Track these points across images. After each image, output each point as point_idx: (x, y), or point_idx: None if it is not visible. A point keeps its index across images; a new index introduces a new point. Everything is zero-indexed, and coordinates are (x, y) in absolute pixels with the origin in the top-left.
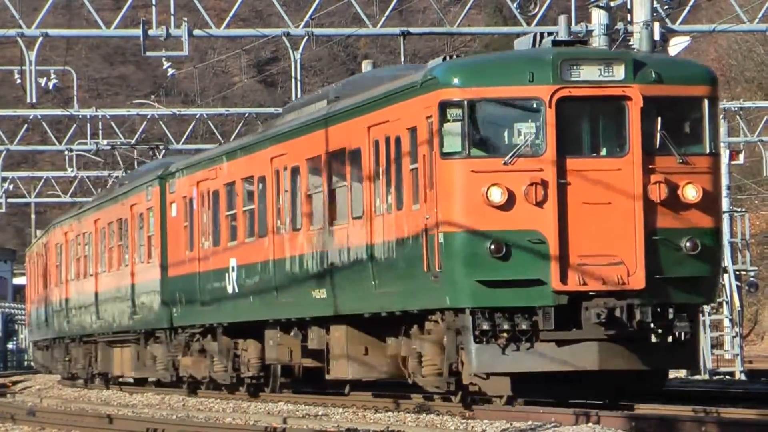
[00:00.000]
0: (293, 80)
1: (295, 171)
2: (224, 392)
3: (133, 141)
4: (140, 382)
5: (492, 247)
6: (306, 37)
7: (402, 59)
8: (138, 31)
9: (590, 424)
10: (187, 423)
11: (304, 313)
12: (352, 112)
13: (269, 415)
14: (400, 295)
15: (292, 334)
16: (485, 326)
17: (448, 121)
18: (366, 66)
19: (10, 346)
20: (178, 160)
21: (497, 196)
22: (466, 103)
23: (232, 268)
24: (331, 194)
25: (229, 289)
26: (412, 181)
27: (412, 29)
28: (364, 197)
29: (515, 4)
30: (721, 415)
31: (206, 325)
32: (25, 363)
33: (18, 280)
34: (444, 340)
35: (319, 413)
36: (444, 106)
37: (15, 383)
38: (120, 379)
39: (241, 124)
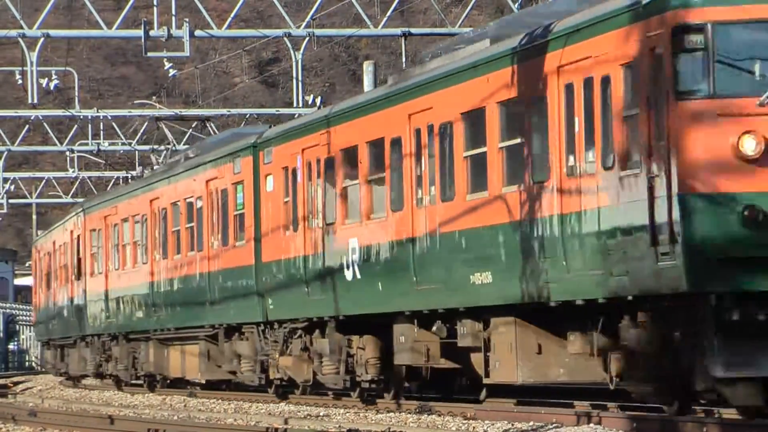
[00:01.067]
0: (294, 81)
1: (445, 129)
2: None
3: (133, 142)
4: (208, 386)
5: (745, 213)
6: (307, 38)
7: (403, 60)
8: (139, 32)
9: (591, 425)
10: (188, 423)
11: (458, 302)
12: (539, 47)
13: (270, 415)
14: (608, 278)
15: (434, 329)
16: (735, 316)
17: (686, 51)
18: (367, 67)
19: (11, 346)
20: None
21: (751, 147)
22: (709, 27)
23: (353, 249)
24: (514, 152)
25: (348, 276)
26: (629, 132)
27: (413, 30)
28: (553, 155)
29: (516, 5)
30: (722, 416)
31: (313, 319)
32: (26, 364)
33: (19, 281)
34: (672, 334)
35: (320, 413)
36: (680, 32)
37: (16, 384)
38: (185, 382)
39: (242, 125)
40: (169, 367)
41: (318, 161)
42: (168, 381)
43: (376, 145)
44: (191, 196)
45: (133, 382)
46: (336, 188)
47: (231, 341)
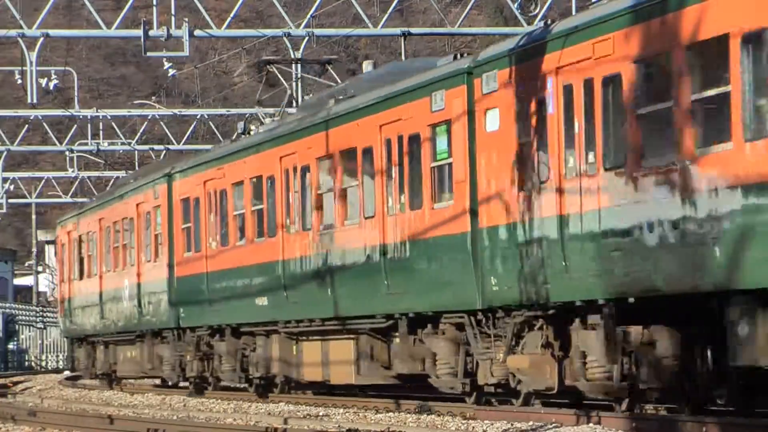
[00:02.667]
0: (294, 81)
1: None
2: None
3: (133, 142)
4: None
5: None
6: (306, 38)
7: (403, 59)
8: (139, 32)
9: (591, 425)
10: (187, 423)
11: None
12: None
13: (270, 415)
14: None
15: None
16: None
17: None
18: (367, 66)
19: (10, 346)
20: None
21: None
22: None
23: None
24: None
25: None
26: None
27: (412, 29)
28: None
29: (516, 5)
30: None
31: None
32: (26, 363)
33: (19, 281)
34: None
35: (320, 414)
36: None
37: (16, 383)
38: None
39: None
40: (302, 369)
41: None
42: (291, 384)
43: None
44: (368, 145)
45: (238, 385)
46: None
47: (420, 336)
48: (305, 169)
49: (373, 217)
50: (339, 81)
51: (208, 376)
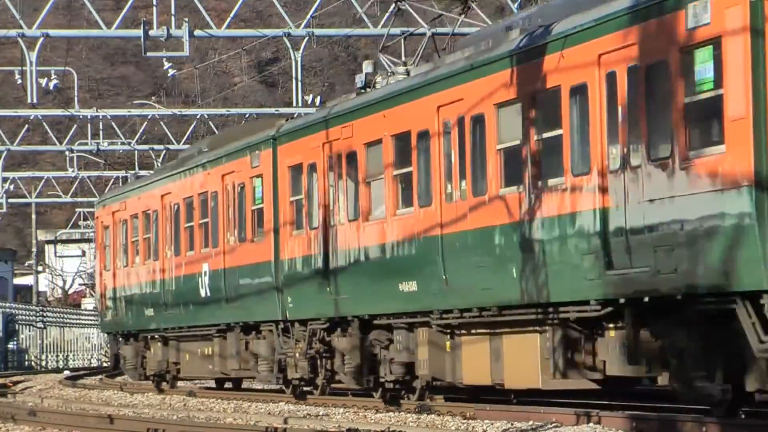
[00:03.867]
0: (294, 81)
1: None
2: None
3: (133, 142)
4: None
5: None
6: (306, 38)
7: (403, 59)
8: (139, 32)
9: (591, 424)
10: (187, 423)
11: None
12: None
13: (270, 415)
14: None
15: None
16: None
17: None
18: (366, 66)
19: (10, 346)
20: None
21: None
22: None
23: None
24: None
25: None
26: None
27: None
28: None
29: (516, 5)
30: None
31: None
32: (26, 363)
33: (19, 280)
34: None
35: (320, 413)
36: None
37: (16, 383)
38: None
39: (242, 125)
40: (461, 370)
41: None
42: (437, 388)
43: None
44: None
45: (357, 389)
46: None
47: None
48: (478, 120)
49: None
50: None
51: (318, 378)
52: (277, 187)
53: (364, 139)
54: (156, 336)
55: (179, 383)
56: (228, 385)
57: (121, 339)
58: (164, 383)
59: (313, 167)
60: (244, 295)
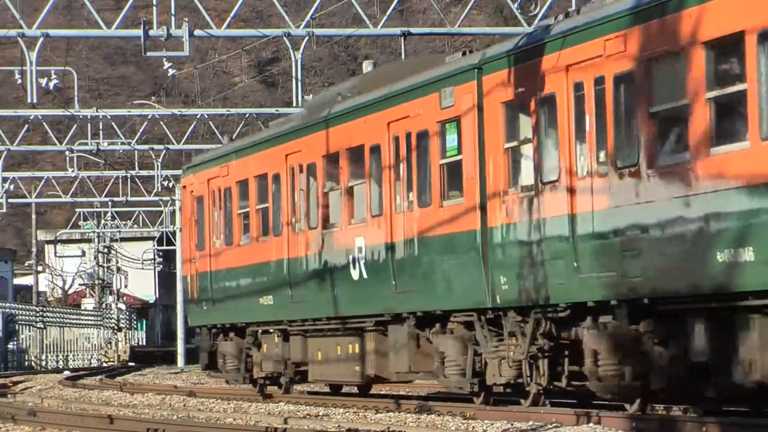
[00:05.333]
0: (294, 80)
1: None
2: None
3: (133, 142)
4: None
5: None
6: (307, 38)
7: (403, 59)
8: (139, 32)
9: (591, 425)
10: (187, 423)
11: None
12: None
13: (270, 415)
14: None
15: None
16: None
17: None
18: (366, 66)
19: (10, 346)
20: None
21: None
22: None
23: None
24: None
25: None
26: None
27: (412, 29)
28: None
29: (516, 5)
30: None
31: None
32: (26, 363)
33: (19, 280)
34: None
35: (320, 413)
36: None
37: (16, 383)
38: None
39: (242, 125)
40: None
41: None
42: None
43: None
44: None
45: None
46: None
47: None
48: None
49: None
50: None
51: (532, 384)
52: (483, 133)
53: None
54: (271, 330)
55: (297, 386)
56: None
57: (217, 334)
58: (275, 388)
59: (548, 101)
60: (425, 277)
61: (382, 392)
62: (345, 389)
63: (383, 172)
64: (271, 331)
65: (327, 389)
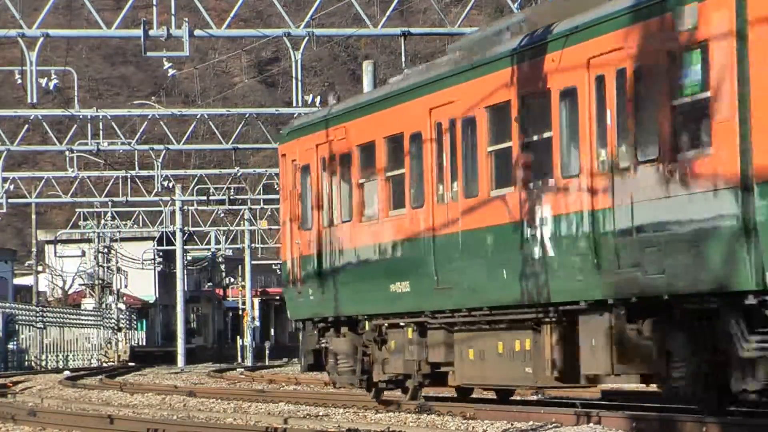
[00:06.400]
0: (294, 80)
1: None
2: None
3: (133, 142)
4: None
5: None
6: (307, 38)
7: (403, 59)
8: (139, 32)
9: (591, 425)
10: (187, 423)
11: None
12: None
13: (270, 415)
14: None
15: None
16: None
17: None
18: (366, 66)
19: (10, 346)
20: None
21: None
22: None
23: None
24: None
25: None
26: None
27: (412, 29)
28: None
29: (516, 5)
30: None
31: None
32: (26, 363)
33: (19, 281)
34: None
35: (320, 413)
36: None
37: (16, 383)
38: None
39: (242, 125)
40: None
41: None
42: None
43: None
44: None
45: None
46: None
47: None
48: None
49: None
50: None
51: None
52: (746, 57)
53: None
54: (402, 323)
55: (423, 390)
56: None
57: (326, 330)
58: (398, 393)
59: None
60: (646, 252)
61: (563, 398)
62: (475, 393)
63: (581, 121)
64: (401, 324)
65: (456, 393)
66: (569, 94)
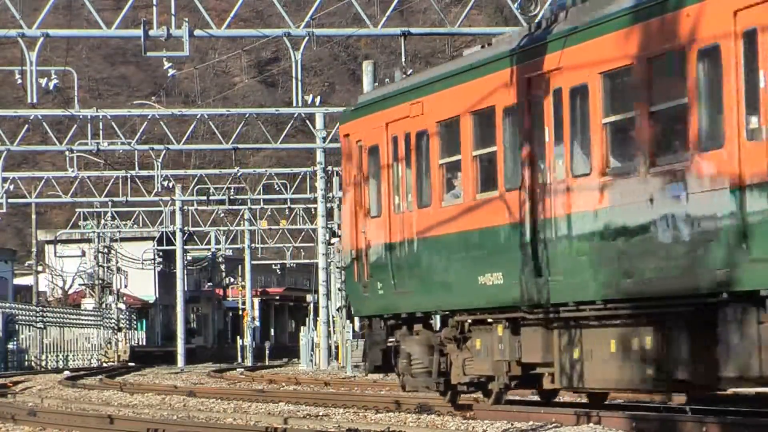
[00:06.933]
0: (294, 80)
1: None
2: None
3: (133, 142)
4: None
5: None
6: (307, 38)
7: (402, 59)
8: (139, 32)
9: (591, 425)
10: (187, 423)
11: None
12: None
13: (270, 415)
14: None
15: None
16: None
17: None
18: (367, 66)
19: (10, 346)
20: None
21: None
22: None
23: None
24: None
25: None
26: None
27: (412, 29)
28: None
29: (516, 5)
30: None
31: None
32: (26, 363)
33: (19, 281)
34: None
35: (320, 413)
36: None
37: (16, 383)
38: None
39: (241, 125)
40: None
41: None
42: None
43: None
44: None
45: None
46: None
47: None
48: None
49: None
50: None
51: None
52: None
53: None
54: (490, 320)
55: (509, 394)
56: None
57: (395, 328)
58: (479, 396)
59: None
60: None
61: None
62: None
63: (724, 82)
64: (489, 321)
65: (540, 397)
66: (710, 53)
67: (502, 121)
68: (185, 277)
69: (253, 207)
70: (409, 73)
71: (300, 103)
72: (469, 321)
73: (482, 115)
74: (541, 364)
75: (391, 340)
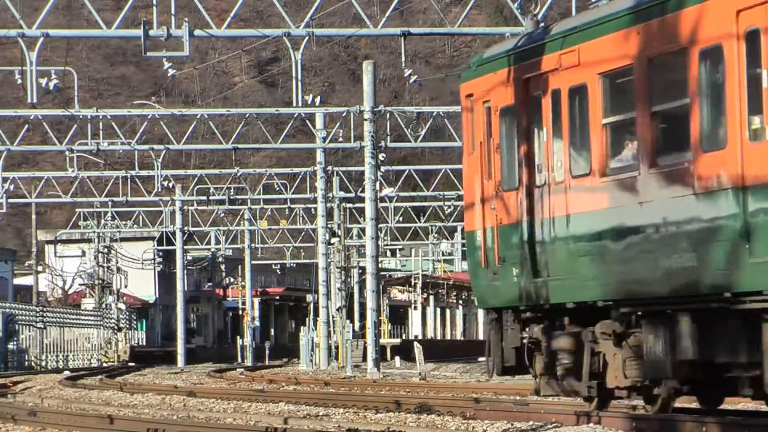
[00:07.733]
0: (294, 80)
1: None
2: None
3: (133, 142)
4: None
5: None
6: (307, 38)
7: (403, 59)
8: (139, 32)
9: (591, 425)
10: (187, 423)
11: None
12: None
13: (270, 415)
14: None
15: None
16: None
17: None
18: (366, 66)
19: (10, 346)
20: None
21: None
22: None
23: None
24: None
25: None
26: None
27: (412, 29)
28: None
29: (516, 5)
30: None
31: None
32: (26, 363)
33: (19, 281)
34: None
35: (320, 413)
36: None
37: (16, 383)
38: None
39: (242, 125)
40: None
41: None
42: None
43: None
44: None
45: None
46: None
47: None
48: None
49: None
50: None
51: None
52: None
53: None
54: (668, 311)
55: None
56: None
57: (530, 322)
58: (639, 402)
59: None
60: None
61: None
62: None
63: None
64: (668, 311)
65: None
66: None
67: (697, 67)
68: (185, 277)
69: (253, 207)
70: (538, 23)
71: (300, 103)
72: (638, 313)
73: (664, 61)
74: (746, 364)
75: (524, 336)
